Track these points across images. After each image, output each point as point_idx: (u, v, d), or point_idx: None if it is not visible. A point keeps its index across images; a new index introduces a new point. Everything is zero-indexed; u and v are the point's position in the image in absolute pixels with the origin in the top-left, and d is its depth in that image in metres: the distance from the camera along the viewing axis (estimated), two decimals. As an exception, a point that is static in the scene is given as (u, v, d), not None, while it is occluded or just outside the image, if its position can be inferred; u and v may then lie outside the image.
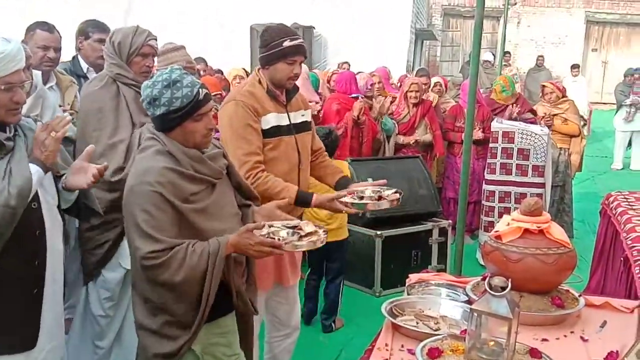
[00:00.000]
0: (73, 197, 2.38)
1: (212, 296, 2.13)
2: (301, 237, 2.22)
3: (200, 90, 2.19)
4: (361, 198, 2.82)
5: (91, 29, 3.85)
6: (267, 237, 2.16)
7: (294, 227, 2.26)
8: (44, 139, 2.16)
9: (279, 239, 2.18)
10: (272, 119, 2.90)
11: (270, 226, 2.26)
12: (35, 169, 2.14)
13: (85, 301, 3.24)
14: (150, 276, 2.10)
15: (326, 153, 3.28)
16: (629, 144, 11.31)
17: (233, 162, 2.79)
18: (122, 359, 3.32)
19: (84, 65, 3.90)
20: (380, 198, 2.81)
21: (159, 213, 2.07)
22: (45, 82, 3.50)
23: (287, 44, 2.84)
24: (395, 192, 2.85)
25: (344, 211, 2.82)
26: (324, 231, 2.29)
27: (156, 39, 3.19)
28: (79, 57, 3.92)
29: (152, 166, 2.13)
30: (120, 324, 3.29)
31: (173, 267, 2.05)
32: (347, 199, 2.81)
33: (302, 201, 2.83)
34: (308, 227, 2.27)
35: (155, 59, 3.30)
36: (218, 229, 2.18)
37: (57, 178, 2.33)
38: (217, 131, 4.39)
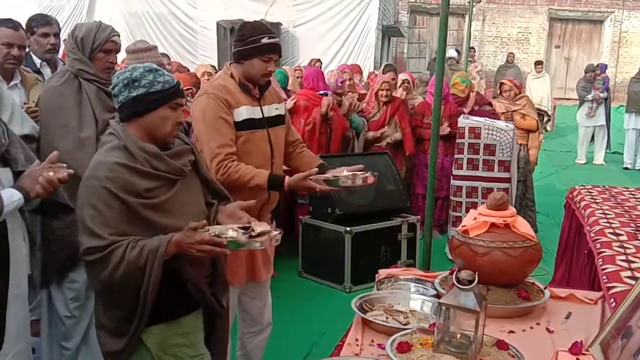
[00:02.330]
0: (36, 203, 2.33)
1: (153, 293, 2.08)
2: (252, 237, 2.15)
3: (179, 82, 2.21)
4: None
5: (35, 24, 3.80)
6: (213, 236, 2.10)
7: (246, 228, 2.21)
8: (38, 176, 2.15)
9: (226, 238, 2.12)
10: (244, 112, 2.91)
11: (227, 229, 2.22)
12: (17, 196, 2.14)
13: (49, 302, 3.19)
14: (91, 272, 2.10)
15: (304, 144, 3.27)
16: (592, 138, 11.56)
17: (206, 155, 2.79)
18: (90, 360, 3.29)
19: (37, 61, 3.84)
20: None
21: (106, 209, 2.04)
22: (9, 81, 3.43)
23: (265, 41, 2.86)
24: (371, 174, 2.86)
25: (317, 189, 2.80)
26: (279, 232, 2.24)
27: (119, 35, 3.15)
28: (31, 53, 3.85)
29: (104, 161, 2.11)
30: (87, 325, 3.25)
31: (112, 264, 2.03)
32: (322, 177, 2.81)
33: (274, 185, 2.84)
34: (260, 227, 2.21)
35: (120, 56, 3.26)
36: (178, 225, 2.12)
37: (15, 175, 2.28)
38: (190, 126, 4.38)
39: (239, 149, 2.89)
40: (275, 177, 2.85)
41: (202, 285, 2.26)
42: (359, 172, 2.85)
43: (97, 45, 3.03)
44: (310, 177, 2.79)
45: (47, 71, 3.88)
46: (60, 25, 4.10)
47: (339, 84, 6.01)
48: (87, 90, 3.02)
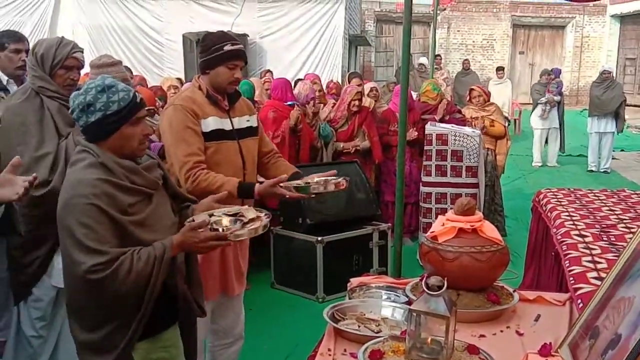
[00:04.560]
0: (0, 211, 2.29)
1: (154, 299, 2.09)
2: (244, 224, 2.20)
3: (136, 94, 2.17)
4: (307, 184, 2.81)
5: (6, 39, 3.74)
6: (210, 228, 2.15)
7: (235, 215, 2.24)
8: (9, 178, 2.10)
9: (222, 229, 2.16)
10: (212, 123, 2.90)
11: (211, 215, 2.24)
12: None
13: (17, 322, 3.13)
14: (96, 289, 2.04)
15: (279, 154, 3.26)
16: (546, 141, 11.80)
17: (174, 165, 2.78)
18: (58, 381, 3.23)
19: (3, 78, 3.78)
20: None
21: (98, 225, 2.02)
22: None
23: (227, 48, 2.87)
24: (343, 179, 2.86)
25: (287, 196, 2.79)
26: (266, 215, 2.28)
27: (82, 51, 3.12)
28: None
29: (84, 178, 2.07)
30: (55, 345, 3.19)
31: (120, 277, 2.01)
32: (294, 183, 2.80)
33: (245, 192, 2.82)
34: (249, 212, 2.24)
35: (84, 71, 3.22)
36: (156, 240, 2.14)
37: None
38: (152, 142, 4.34)
39: (209, 159, 2.89)
40: (246, 185, 2.85)
41: (187, 295, 2.26)
42: (330, 178, 2.85)
43: (58, 61, 2.99)
44: (281, 185, 2.79)
45: (13, 88, 3.81)
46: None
47: (309, 99, 5.97)
48: (49, 107, 2.98)
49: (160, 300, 2.14)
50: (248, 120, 3.07)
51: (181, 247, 2.14)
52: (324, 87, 8.63)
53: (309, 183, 2.81)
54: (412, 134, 6.27)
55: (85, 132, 2.16)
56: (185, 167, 2.80)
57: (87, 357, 2.15)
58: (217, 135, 2.92)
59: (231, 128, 2.98)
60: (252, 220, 2.22)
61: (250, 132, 3.08)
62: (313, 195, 2.86)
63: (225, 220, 2.20)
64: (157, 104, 5.42)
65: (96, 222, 2.01)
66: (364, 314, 2.38)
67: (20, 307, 3.11)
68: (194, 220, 2.20)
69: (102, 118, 2.09)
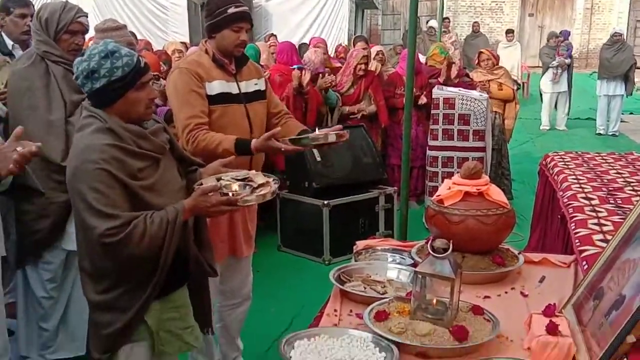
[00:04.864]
0: (7, 184, 2.29)
1: (169, 262, 2.12)
2: (253, 189, 2.21)
3: (140, 58, 2.15)
4: None
5: (12, 4, 3.71)
6: (221, 193, 2.16)
7: (244, 179, 2.25)
8: (6, 154, 2.08)
9: (232, 194, 2.17)
10: (217, 86, 2.89)
11: (219, 179, 2.25)
12: None
13: (24, 283, 3.18)
14: (111, 253, 2.06)
15: (290, 115, 3.23)
16: (555, 105, 11.70)
17: (178, 128, 2.78)
18: (69, 340, 3.29)
19: (9, 42, 3.76)
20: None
21: (109, 190, 2.02)
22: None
23: (232, 10, 2.84)
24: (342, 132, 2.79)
25: (282, 149, 2.77)
26: (274, 181, 2.28)
27: (86, 16, 3.09)
28: (2, 34, 3.77)
29: (92, 144, 2.06)
30: (66, 305, 3.24)
31: (135, 241, 2.02)
32: (292, 136, 2.78)
33: (242, 149, 2.80)
34: (258, 178, 2.25)
35: (89, 35, 3.20)
36: (165, 204, 2.15)
37: None
38: (158, 106, 4.33)
39: (215, 123, 2.88)
40: (243, 141, 2.82)
41: (199, 257, 2.29)
42: (332, 132, 2.78)
43: (62, 26, 2.97)
44: (279, 139, 2.77)
45: (18, 53, 3.80)
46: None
47: (319, 72, 5.85)
48: (55, 72, 2.97)
49: (173, 262, 2.16)
50: (256, 84, 3.05)
51: (193, 211, 2.15)
52: (333, 51, 8.57)
53: (308, 135, 2.78)
54: (423, 99, 6.21)
55: (90, 98, 2.15)
56: (187, 130, 2.80)
57: (99, 317, 2.18)
58: (223, 98, 2.91)
59: (238, 92, 2.96)
60: (261, 185, 2.23)
61: (258, 95, 3.06)
62: (313, 147, 2.83)
63: (235, 185, 2.20)
64: (161, 68, 5.40)
65: (107, 186, 2.02)
66: (370, 276, 2.41)
67: (28, 270, 3.15)
68: (202, 185, 2.21)
69: (107, 84, 2.08)
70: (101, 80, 2.08)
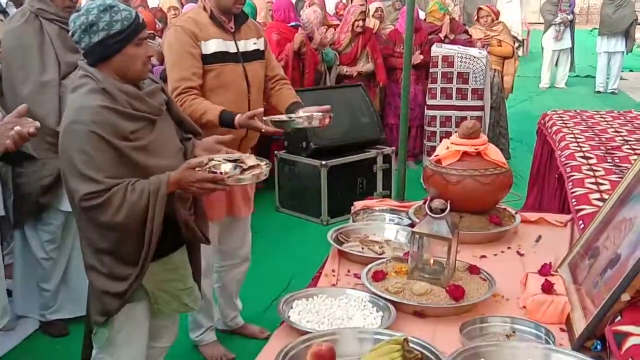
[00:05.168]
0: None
1: (157, 234, 2.10)
2: (243, 170, 2.20)
3: (138, 14, 2.13)
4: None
5: None
6: (209, 170, 2.12)
7: (235, 161, 2.23)
8: (4, 130, 2.02)
9: (221, 173, 2.15)
10: (213, 45, 2.84)
11: (210, 160, 2.23)
12: None
13: (22, 244, 3.19)
14: (91, 218, 2.06)
15: (285, 80, 3.19)
16: (556, 62, 11.58)
17: (169, 89, 2.74)
18: (70, 300, 3.33)
19: (2, 0, 3.69)
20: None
21: (97, 153, 2.01)
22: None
23: None
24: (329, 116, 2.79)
25: (263, 130, 2.73)
26: (266, 164, 2.27)
27: None
28: None
29: (86, 105, 2.04)
30: (66, 266, 3.27)
31: (113, 207, 2.01)
32: (275, 118, 2.76)
33: (226, 122, 2.76)
34: (250, 160, 2.24)
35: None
36: (161, 165, 2.14)
37: None
38: (154, 65, 4.29)
39: (211, 83, 2.84)
40: (227, 114, 2.77)
41: (191, 223, 2.28)
42: (317, 114, 2.76)
43: None
44: (263, 118, 2.72)
45: (12, 11, 3.75)
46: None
47: (319, 30, 5.78)
48: (49, 31, 2.93)
49: (166, 225, 2.16)
50: (255, 43, 3.00)
51: (178, 185, 2.09)
52: (333, 8, 8.43)
53: (292, 118, 2.75)
54: (417, 57, 6.11)
55: (87, 54, 2.11)
56: (176, 92, 2.76)
57: (96, 281, 2.18)
58: (220, 57, 2.86)
59: (236, 51, 2.91)
60: (251, 167, 2.19)
61: (256, 55, 3.01)
62: (293, 130, 2.80)
63: (225, 166, 2.17)
64: (157, 26, 5.33)
65: (95, 149, 2.00)
66: (368, 236, 2.42)
67: (27, 231, 3.16)
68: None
69: (106, 38, 2.05)
70: (100, 34, 2.04)
